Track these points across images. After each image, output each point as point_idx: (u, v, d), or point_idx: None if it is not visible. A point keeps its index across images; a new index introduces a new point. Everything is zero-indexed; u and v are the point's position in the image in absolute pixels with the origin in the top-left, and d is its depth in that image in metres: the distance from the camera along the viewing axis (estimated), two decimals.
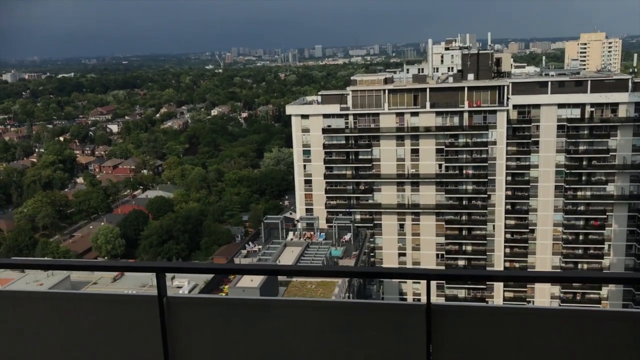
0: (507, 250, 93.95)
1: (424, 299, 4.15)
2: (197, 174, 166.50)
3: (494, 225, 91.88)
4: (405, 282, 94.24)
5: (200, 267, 4.40)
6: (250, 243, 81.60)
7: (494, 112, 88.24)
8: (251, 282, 58.77)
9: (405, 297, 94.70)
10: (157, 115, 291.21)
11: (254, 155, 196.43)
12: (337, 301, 4.30)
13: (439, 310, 4.02)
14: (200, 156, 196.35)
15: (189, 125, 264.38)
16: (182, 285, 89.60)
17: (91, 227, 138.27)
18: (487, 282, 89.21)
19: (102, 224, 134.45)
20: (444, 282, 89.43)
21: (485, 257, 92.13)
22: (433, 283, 3.91)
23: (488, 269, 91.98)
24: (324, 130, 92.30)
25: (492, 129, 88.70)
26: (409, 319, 4.07)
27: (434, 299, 4.09)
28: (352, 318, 4.18)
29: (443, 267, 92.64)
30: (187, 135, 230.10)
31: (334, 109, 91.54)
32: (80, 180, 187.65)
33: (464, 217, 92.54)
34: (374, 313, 4.15)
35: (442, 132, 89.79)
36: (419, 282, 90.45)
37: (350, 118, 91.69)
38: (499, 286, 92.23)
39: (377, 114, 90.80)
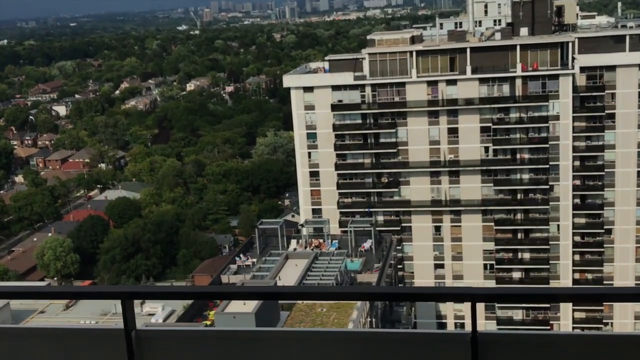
0: (577, 257, 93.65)
1: (468, 325, 4.15)
2: (170, 168, 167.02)
3: (558, 226, 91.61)
4: (445, 302, 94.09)
5: (177, 291, 4.43)
6: (241, 255, 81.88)
7: (556, 77, 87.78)
8: (244, 307, 58.89)
9: (444, 321, 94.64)
10: (117, 92, 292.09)
11: (243, 141, 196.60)
12: (356, 331, 4.31)
13: (487, 340, 4.02)
14: (174, 144, 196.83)
15: (158, 105, 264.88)
16: (155, 311, 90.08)
17: (35, 239, 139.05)
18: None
19: (50, 235, 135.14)
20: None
21: (547, 267, 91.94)
22: (480, 305, 3.92)
23: (552, 283, 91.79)
24: (334, 107, 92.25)
25: (553, 100, 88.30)
26: (450, 352, 4.08)
27: (482, 325, 4.11)
28: (376, 353, 4.20)
29: (493, 281, 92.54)
30: (156, 117, 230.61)
31: (346, 78, 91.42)
32: (19, 178, 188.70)
33: (519, 216, 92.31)
34: (404, 346, 4.17)
35: (488, 106, 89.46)
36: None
37: (368, 90, 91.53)
38: (566, 305, 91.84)
39: (403, 84, 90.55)
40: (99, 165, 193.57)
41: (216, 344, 4.40)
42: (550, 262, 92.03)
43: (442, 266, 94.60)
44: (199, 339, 4.44)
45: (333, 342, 4.29)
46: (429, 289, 4.12)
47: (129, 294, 4.37)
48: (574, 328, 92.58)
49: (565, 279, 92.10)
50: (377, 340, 4.22)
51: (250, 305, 58.29)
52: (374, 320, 69.49)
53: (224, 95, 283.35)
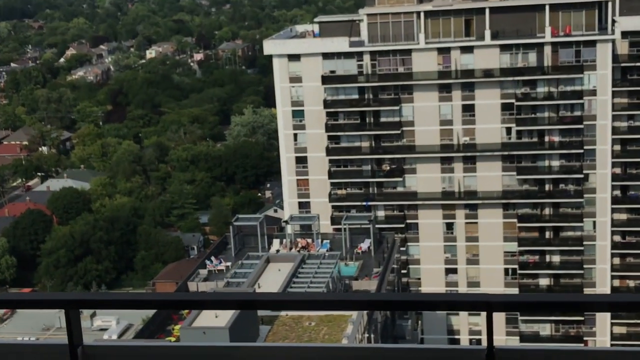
0: (616, 260, 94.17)
1: (484, 340, 4.19)
2: (127, 152, 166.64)
3: (594, 222, 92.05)
4: (457, 314, 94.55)
5: (134, 299, 4.42)
6: (212, 258, 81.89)
7: (593, 43, 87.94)
8: (216, 320, 58.91)
9: (456, 337, 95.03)
10: (61, 60, 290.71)
11: (215, 120, 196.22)
12: (351, 347, 4.32)
13: (506, 357, 4.05)
14: (131, 123, 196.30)
15: (112, 76, 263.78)
16: (108, 326, 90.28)
17: None
18: (586, 313, 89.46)
19: None
20: (516, 313, 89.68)
21: (581, 272, 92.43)
22: (498, 315, 3.95)
23: (586, 291, 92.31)
24: (325, 79, 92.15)
25: (589, 71, 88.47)
26: None
27: (502, 341, 4.13)
28: None
29: (515, 289, 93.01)
30: (109, 90, 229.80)
31: (340, 44, 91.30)
32: None
33: (547, 211, 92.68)
34: None
35: (510, 78, 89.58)
36: (479, 314, 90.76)
37: (366, 58, 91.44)
38: (603, 318, 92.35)
39: (409, 52, 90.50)
40: (40, 149, 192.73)
41: None
42: (585, 266, 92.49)
43: (454, 271, 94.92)
44: (160, 356, 4.45)
45: (322, 359, 4.30)
46: (435, 296, 4.13)
47: (75, 303, 4.36)
48: (612, 345, 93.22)
49: (602, 287, 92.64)
50: (375, 357, 4.24)
51: (224, 319, 58.34)
52: (372, 336, 69.76)
53: (191, 64, 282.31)
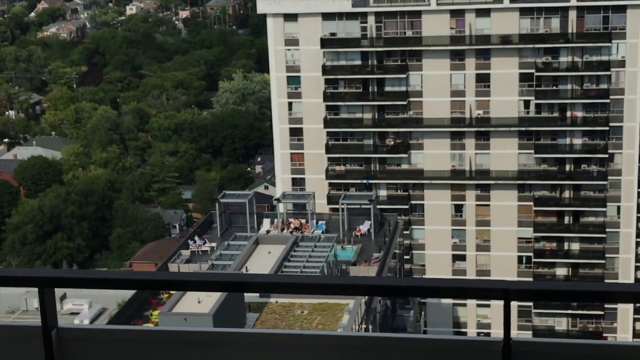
0: None
1: (497, 332, 4.21)
2: (103, 119, 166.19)
3: (619, 207, 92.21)
4: (464, 305, 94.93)
5: (112, 277, 4.44)
6: (196, 238, 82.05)
7: (623, 9, 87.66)
8: (199, 306, 59.10)
9: (463, 330, 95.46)
10: (32, 14, 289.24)
11: (201, 85, 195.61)
12: (349, 335, 4.34)
13: (524, 351, 4.08)
14: (108, 87, 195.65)
15: (88, 33, 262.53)
16: (80, 309, 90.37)
17: None
18: (606, 305, 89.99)
19: None
20: (530, 304, 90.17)
21: (603, 261, 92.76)
22: (514, 304, 3.98)
23: (607, 281, 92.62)
24: (325, 42, 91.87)
25: (618, 40, 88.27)
26: None
27: (516, 334, 4.16)
28: None
29: (529, 279, 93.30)
30: (85, 50, 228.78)
31: (342, 3, 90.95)
32: None
33: (566, 194, 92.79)
34: (414, 355, 4.21)
35: (530, 45, 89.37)
36: (488, 305, 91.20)
37: (371, 20, 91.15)
38: (625, 312, 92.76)
39: (418, 13, 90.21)
40: (7, 113, 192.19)
41: (161, 349, 4.43)
42: (607, 255, 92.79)
43: (462, 258, 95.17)
44: (137, 341, 4.47)
45: (318, 348, 4.32)
46: (443, 281, 4.14)
47: (50, 281, 4.38)
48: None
49: (625, 278, 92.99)
50: (381, 345, 4.26)
51: (207, 305, 58.55)
52: (370, 327, 70.12)
53: (176, 22, 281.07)
